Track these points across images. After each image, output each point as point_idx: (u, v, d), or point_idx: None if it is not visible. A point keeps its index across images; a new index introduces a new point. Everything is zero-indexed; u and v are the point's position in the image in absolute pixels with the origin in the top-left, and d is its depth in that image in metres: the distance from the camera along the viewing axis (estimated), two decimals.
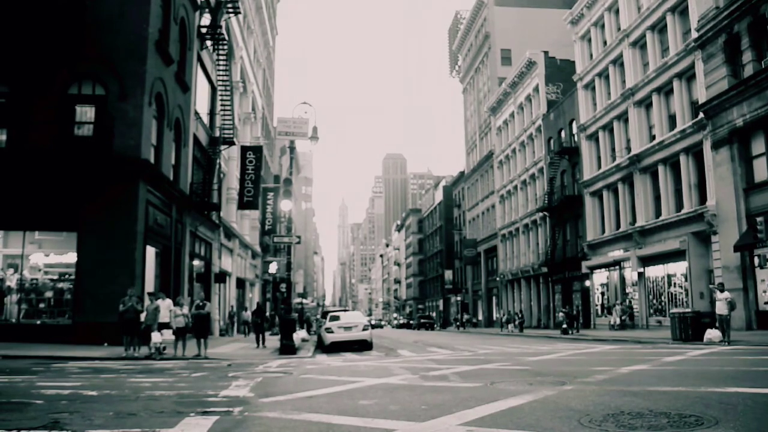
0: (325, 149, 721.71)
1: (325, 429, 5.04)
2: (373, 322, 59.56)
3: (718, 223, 23.26)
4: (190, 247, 24.74)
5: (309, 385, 8.35)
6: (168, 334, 15.84)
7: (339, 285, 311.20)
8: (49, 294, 18.38)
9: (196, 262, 26.37)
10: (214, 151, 28.81)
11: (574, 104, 38.42)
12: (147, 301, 16.05)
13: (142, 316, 15.30)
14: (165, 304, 15.78)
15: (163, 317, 15.58)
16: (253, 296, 43.27)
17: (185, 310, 15.86)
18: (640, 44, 30.64)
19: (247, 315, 32.06)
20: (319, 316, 46.79)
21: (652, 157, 28.89)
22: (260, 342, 20.63)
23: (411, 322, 76.09)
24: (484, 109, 59.31)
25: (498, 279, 54.27)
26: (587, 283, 36.50)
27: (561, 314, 32.22)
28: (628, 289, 31.62)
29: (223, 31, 27.81)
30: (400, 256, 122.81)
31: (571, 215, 38.82)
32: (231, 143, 29.92)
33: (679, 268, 27.08)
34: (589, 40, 36.72)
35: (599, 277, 35.39)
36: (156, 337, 15.05)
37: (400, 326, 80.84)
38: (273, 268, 41.64)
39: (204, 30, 26.11)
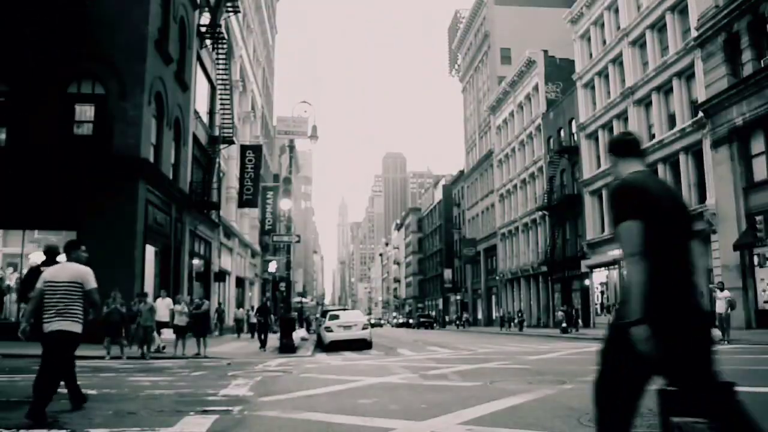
0: (325, 148, 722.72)
1: (325, 428, 5.03)
2: (372, 321, 59.54)
3: (718, 222, 23.27)
4: (190, 246, 24.73)
5: (308, 384, 8.35)
6: (168, 333, 15.74)
7: (338, 284, 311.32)
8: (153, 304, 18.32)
9: (195, 261, 26.37)
10: (213, 150, 28.80)
11: (573, 103, 38.42)
12: (145, 303, 15.50)
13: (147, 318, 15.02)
14: (164, 303, 15.60)
15: (162, 316, 15.39)
16: (253, 295, 43.28)
17: (185, 308, 15.81)
18: (639, 43, 30.63)
19: (242, 312, 31.56)
20: (318, 315, 46.80)
21: (651, 157, 28.86)
22: (264, 343, 19.13)
23: (410, 321, 76.04)
24: (483, 108, 59.30)
25: (497, 278, 54.28)
26: (587, 282, 36.50)
27: (560, 313, 32.22)
28: None
29: (223, 30, 27.79)
30: (400, 255, 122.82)
31: (571, 214, 38.81)
32: (230, 142, 29.91)
33: None
34: (589, 39, 36.72)
35: (599, 276, 35.40)
36: (156, 338, 14.90)
37: (399, 325, 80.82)
38: (272, 267, 41.64)
39: (203, 29, 26.10)
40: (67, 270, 6.13)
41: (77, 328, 5.98)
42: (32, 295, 6.14)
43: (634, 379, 2.50)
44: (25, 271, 18.07)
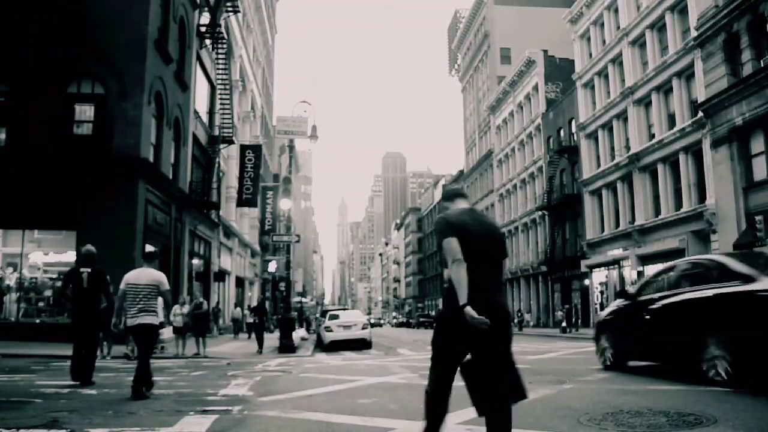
0: (325, 148, 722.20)
1: (325, 428, 5.03)
2: (372, 321, 59.51)
3: (718, 222, 23.27)
4: (190, 245, 24.72)
5: (308, 384, 8.35)
6: (168, 332, 15.60)
7: (338, 284, 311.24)
8: (48, 293, 18.34)
9: (195, 261, 26.35)
10: (213, 149, 28.80)
11: (573, 103, 38.42)
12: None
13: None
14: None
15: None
16: (253, 295, 43.27)
17: (185, 309, 15.75)
18: (639, 43, 30.64)
19: (239, 312, 31.24)
20: (318, 315, 46.80)
21: (651, 156, 28.90)
22: (260, 345, 17.98)
23: (410, 320, 76.02)
24: (483, 108, 59.31)
25: None
26: (586, 281, 36.50)
27: (560, 313, 32.23)
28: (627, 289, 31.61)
29: (223, 30, 27.78)
30: (400, 255, 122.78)
31: (571, 214, 38.82)
32: (230, 142, 29.90)
33: None
34: (589, 39, 36.72)
35: (598, 276, 35.40)
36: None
37: (399, 325, 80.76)
38: (272, 266, 41.64)
39: (203, 29, 26.08)
40: (146, 274, 7.55)
41: (157, 320, 7.53)
42: (118, 295, 7.59)
43: (452, 352, 3.42)
44: (24, 271, 18.16)
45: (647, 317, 8.04)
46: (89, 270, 8.58)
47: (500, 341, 3.39)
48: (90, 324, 8.63)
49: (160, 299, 7.78)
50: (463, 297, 3.26)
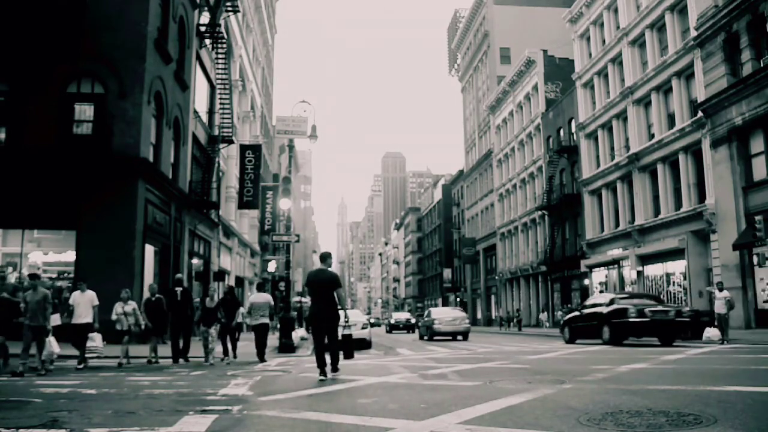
0: (324, 148, 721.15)
1: (324, 427, 5.03)
2: (372, 321, 59.47)
3: (717, 222, 23.28)
4: (189, 245, 24.71)
5: (308, 384, 8.34)
6: (98, 340, 12.80)
7: None
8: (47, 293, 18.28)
9: (195, 261, 26.33)
10: (213, 149, 28.78)
11: (573, 103, 38.43)
12: (35, 291, 11.29)
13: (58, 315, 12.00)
14: (85, 298, 11.81)
15: (81, 316, 11.68)
16: (252, 295, 43.25)
17: (128, 307, 12.61)
18: (639, 43, 30.65)
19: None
20: None
21: (651, 156, 28.90)
22: (233, 351, 13.97)
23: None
24: (483, 108, 59.31)
25: (497, 277, 54.27)
26: (586, 281, 36.52)
27: (560, 313, 32.21)
28: (627, 288, 31.65)
29: (222, 29, 27.76)
30: (399, 255, 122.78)
31: (570, 214, 38.83)
32: (230, 142, 29.88)
33: (677, 266, 27.10)
34: (588, 39, 36.74)
35: (598, 276, 35.41)
36: (53, 345, 11.06)
37: None
38: (272, 266, 41.61)
39: (203, 28, 26.07)
40: (261, 297, 14.09)
41: (268, 320, 13.99)
42: (246, 308, 14.59)
43: (314, 330, 9.05)
44: (24, 271, 18.15)
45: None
46: (180, 289, 13.49)
47: (323, 323, 8.70)
48: (184, 323, 13.30)
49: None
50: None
